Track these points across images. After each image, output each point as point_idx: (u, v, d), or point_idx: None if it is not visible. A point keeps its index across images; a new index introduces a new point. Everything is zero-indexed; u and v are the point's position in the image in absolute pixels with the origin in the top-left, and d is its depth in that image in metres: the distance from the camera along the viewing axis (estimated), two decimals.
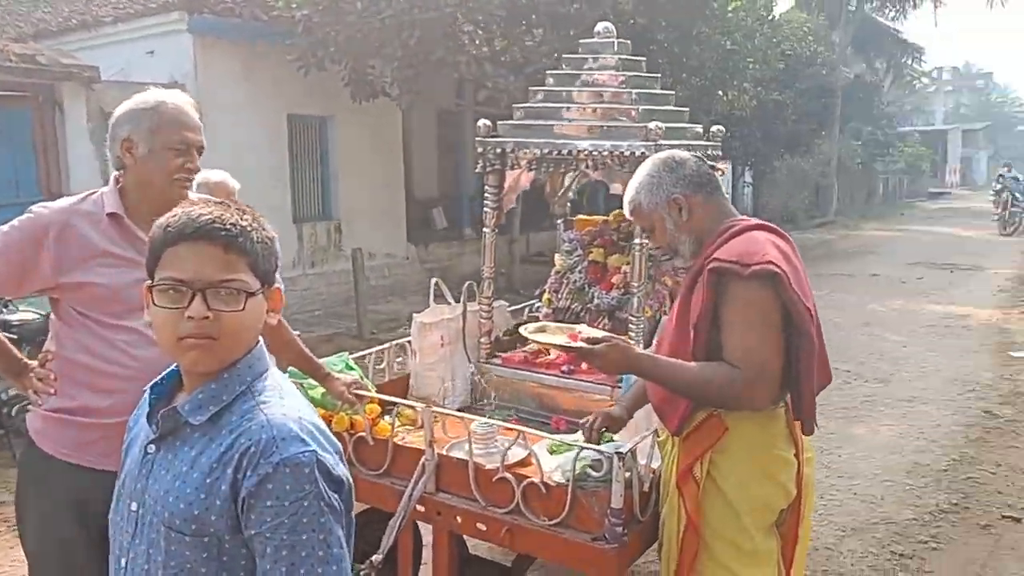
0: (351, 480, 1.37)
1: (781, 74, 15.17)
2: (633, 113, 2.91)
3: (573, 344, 2.32)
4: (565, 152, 2.95)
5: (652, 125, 2.79)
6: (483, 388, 3.28)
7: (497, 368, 3.28)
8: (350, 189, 10.47)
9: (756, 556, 2.26)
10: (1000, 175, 21.92)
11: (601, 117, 2.98)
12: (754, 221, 2.29)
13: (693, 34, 9.85)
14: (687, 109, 3.19)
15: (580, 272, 3.38)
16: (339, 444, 1.39)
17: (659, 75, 3.26)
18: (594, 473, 2.36)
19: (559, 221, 3.71)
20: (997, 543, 4.17)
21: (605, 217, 3.53)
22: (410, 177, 11.63)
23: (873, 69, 28.08)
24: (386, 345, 3.34)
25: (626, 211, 2.40)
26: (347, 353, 3.05)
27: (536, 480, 2.40)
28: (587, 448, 2.38)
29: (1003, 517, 4.44)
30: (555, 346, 2.47)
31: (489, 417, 2.89)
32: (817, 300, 2.27)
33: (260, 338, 1.42)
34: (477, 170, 3.12)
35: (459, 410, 3.09)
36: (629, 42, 3.17)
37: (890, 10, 26.92)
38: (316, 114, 10.03)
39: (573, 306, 3.37)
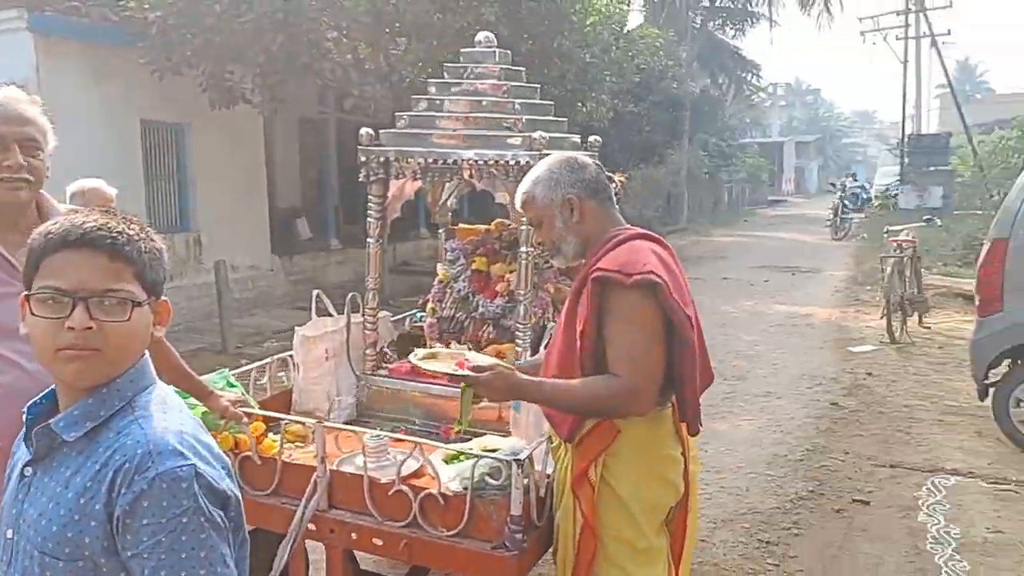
0: (239, 495, 1.32)
1: (636, 87, 15.77)
2: (517, 123, 2.95)
3: (459, 372, 2.35)
4: (450, 161, 2.96)
5: (536, 135, 2.85)
6: (373, 400, 3.24)
7: (383, 380, 3.24)
8: (210, 199, 10.05)
9: (649, 554, 2.34)
10: (832, 183, 23.66)
11: (485, 126, 3.01)
12: (637, 230, 2.37)
13: (554, 47, 10.09)
14: (566, 119, 3.28)
15: (464, 281, 3.39)
16: (227, 459, 1.34)
17: (538, 85, 3.32)
18: (493, 481, 2.37)
19: (440, 231, 3.71)
20: (850, 525, 4.48)
21: (487, 226, 3.56)
22: (272, 186, 11.30)
23: (716, 84, 29.68)
24: (267, 360, 3.23)
25: (518, 201, 2.43)
26: (227, 369, 2.93)
27: (434, 491, 2.39)
28: (485, 456, 2.39)
29: (854, 501, 4.78)
30: (443, 374, 2.47)
31: (380, 429, 2.86)
32: None
33: (146, 352, 1.36)
34: (360, 179, 3.07)
35: (346, 424, 3.03)
36: (509, 52, 3.21)
37: (730, 28, 28.57)
38: (172, 121, 9.58)
39: (458, 315, 3.37)
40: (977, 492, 4.87)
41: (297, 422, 2.72)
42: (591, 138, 3.33)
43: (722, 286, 13.12)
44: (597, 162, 2.41)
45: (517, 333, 3.09)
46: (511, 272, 3.28)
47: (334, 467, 2.57)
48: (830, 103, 73.62)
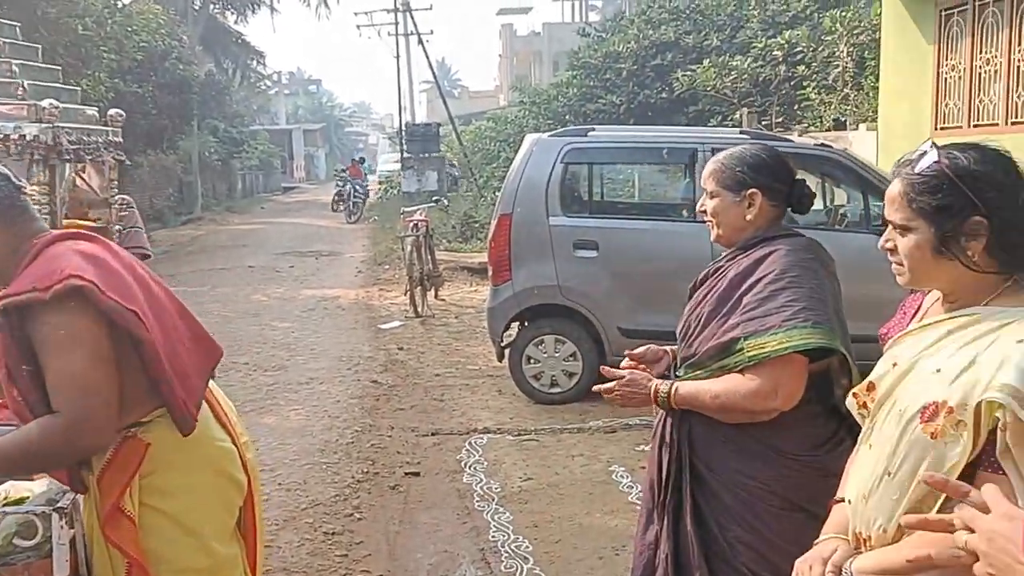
0: None
1: (138, 66, 14.45)
2: (19, 89, 2.38)
3: None
4: None
5: (46, 103, 2.33)
6: None
7: None
8: None
9: (219, 571, 2.08)
10: (339, 171, 24.59)
11: None
12: (53, 234, 2.03)
13: (38, 15, 8.67)
14: (79, 88, 2.76)
15: None
16: None
17: (39, 46, 2.73)
18: (25, 542, 1.88)
19: None
20: (407, 499, 4.63)
21: None
22: None
23: (222, 68, 28.75)
24: None
25: None
26: None
27: None
28: (11, 513, 1.88)
29: (406, 474, 4.95)
30: None
31: None
32: (200, 295, 2.18)
33: None
34: None
35: None
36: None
37: (232, 13, 27.86)
38: None
39: None
40: (507, 446, 5.41)
41: None
42: (111, 111, 2.85)
43: (248, 274, 12.75)
44: (5, 170, 2.01)
45: None
46: None
47: None
48: (331, 93, 76.51)
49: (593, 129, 6.52)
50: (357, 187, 23.09)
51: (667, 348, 2.35)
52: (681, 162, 6.45)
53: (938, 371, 1.41)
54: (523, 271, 6.16)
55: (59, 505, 1.87)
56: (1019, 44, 7.87)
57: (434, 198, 13.79)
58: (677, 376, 2.19)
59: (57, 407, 1.79)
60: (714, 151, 5.82)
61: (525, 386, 6.31)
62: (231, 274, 12.55)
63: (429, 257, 10.02)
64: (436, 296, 10.34)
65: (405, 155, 27.88)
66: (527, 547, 4.01)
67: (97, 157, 2.67)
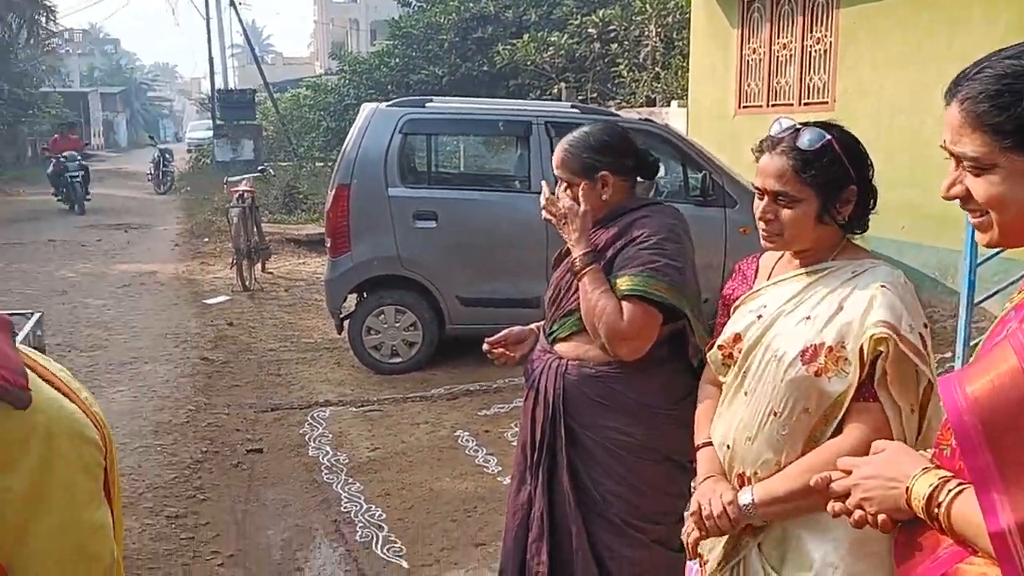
0: None
1: None
2: None
3: None
4: None
5: None
6: None
7: None
8: None
9: (87, 543, 1.97)
10: (152, 137, 22.99)
11: None
12: None
13: None
14: None
15: None
16: None
17: None
18: None
19: None
20: (251, 476, 4.53)
21: None
22: None
23: (5, 24, 25.95)
24: None
25: None
26: None
27: None
28: None
29: (248, 451, 4.84)
30: None
31: None
32: None
33: None
34: None
35: None
36: None
37: None
38: None
39: None
40: (350, 417, 5.40)
41: None
42: None
43: (49, 249, 11.74)
44: None
45: None
46: None
47: None
48: (133, 54, 71.06)
49: (431, 100, 6.52)
50: (168, 155, 21.74)
51: (532, 326, 2.43)
52: (516, 134, 6.59)
53: (808, 318, 1.60)
54: (362, 242, 6.11)
55: None
56: (811, 31, 8.65)
57: (260, 168, 13.22)
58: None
59: None
60: (547, 124, 6.20)
61: (365, 357, 6.29)
62: (29, 249, 11.49)
63: (256, 229, 9.66)
64: (263, 269, 10.02)
65: (218, 123, 26.47)
66: (380, 515, 4.05)
67: None
